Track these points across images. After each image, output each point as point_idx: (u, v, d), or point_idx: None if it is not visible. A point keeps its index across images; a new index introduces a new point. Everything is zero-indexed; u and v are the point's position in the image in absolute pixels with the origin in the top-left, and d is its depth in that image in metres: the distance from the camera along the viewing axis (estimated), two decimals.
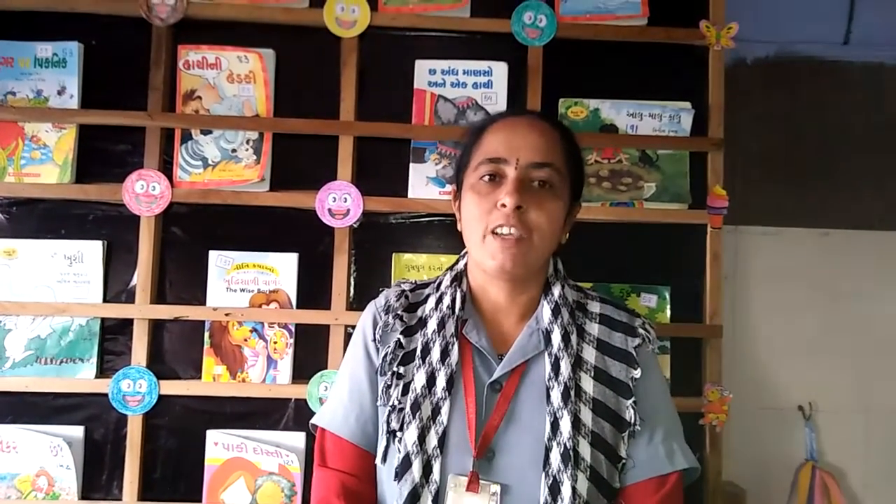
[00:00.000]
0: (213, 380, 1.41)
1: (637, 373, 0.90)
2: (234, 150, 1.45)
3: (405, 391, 0.90)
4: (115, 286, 1.44)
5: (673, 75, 1.53)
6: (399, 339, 0.93)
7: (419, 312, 0.96)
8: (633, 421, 0.88)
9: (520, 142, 0.90)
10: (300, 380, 1.43)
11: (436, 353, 0.90)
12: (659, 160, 1.51)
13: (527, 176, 0.88)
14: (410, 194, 1.46)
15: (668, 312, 1.47)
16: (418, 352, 0.92)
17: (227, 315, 1.41)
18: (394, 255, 1.47)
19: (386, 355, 0.93)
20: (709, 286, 1.48)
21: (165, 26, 1.44)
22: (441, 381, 0.88)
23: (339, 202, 1.44)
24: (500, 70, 1.50)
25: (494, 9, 1.49)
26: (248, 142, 1.45)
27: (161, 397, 1.40)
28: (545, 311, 0.92)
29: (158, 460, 1.42)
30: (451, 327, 0.92)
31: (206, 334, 1.43)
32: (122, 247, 1.44)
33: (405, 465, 0.85)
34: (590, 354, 0.90)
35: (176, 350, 1.44)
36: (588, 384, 0.88)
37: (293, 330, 1.44)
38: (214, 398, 1.42)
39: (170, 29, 1.46)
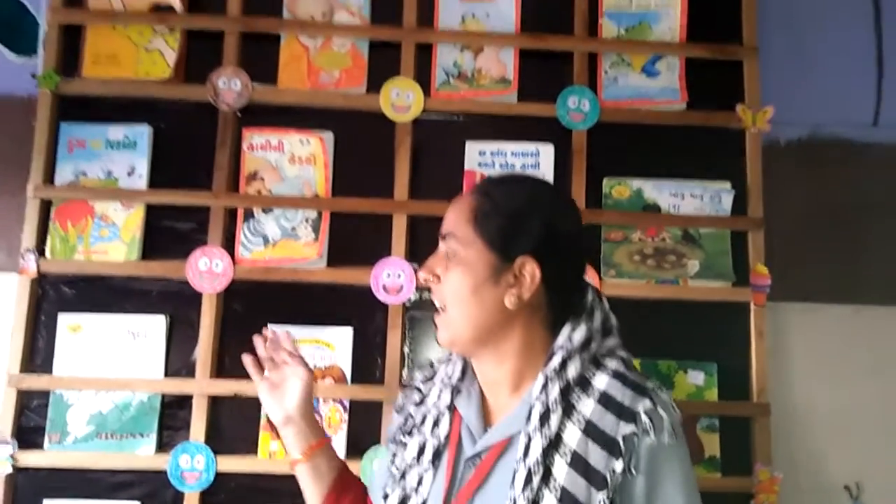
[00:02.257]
0: (269, 457, 1.43)
1: (618, 465, 0.77)
2: (293, 229, 1.51)
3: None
4: (176, 361, 1.47)
5: (712, 156, 1.59)
6: (410, 412, 0.96)
7: (435, 381, 0.98)
8: None
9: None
10: (354, 455, 1.44)
11: (428, 424, 0.91)
12: (701, 238, 1.56)
13: (443, 250, 0.90)
14: None
15: (716, 390, 1.50)
16: (418, 421, 0.94)
17: None
18: None
19: (399, 427, 0.96)
20: (755, 363, 1.50)
21: (231, 111, 1.52)
22: (428, 453, 0.89)
23: (394, 278, 1.48)
24: (546, 151, 1.57)
25: (540, 94, 1.57)
26: (306, 220, 1.51)
27: (218, 474, 1.41)
28: (537, 383, 0.84)
29: None
30: (445, 397, 0.92)
31: (263, 410, 1.45)
32: (184, 322, 1.48)
33: None
34: (572, 436, 0.80)
35: (233, 426, 1.46)
36: (560, 470, 0.78)
37: (347, 405, 1.46)
38: (270, 475, 1.43)
39: (235, 113, 1.53)
